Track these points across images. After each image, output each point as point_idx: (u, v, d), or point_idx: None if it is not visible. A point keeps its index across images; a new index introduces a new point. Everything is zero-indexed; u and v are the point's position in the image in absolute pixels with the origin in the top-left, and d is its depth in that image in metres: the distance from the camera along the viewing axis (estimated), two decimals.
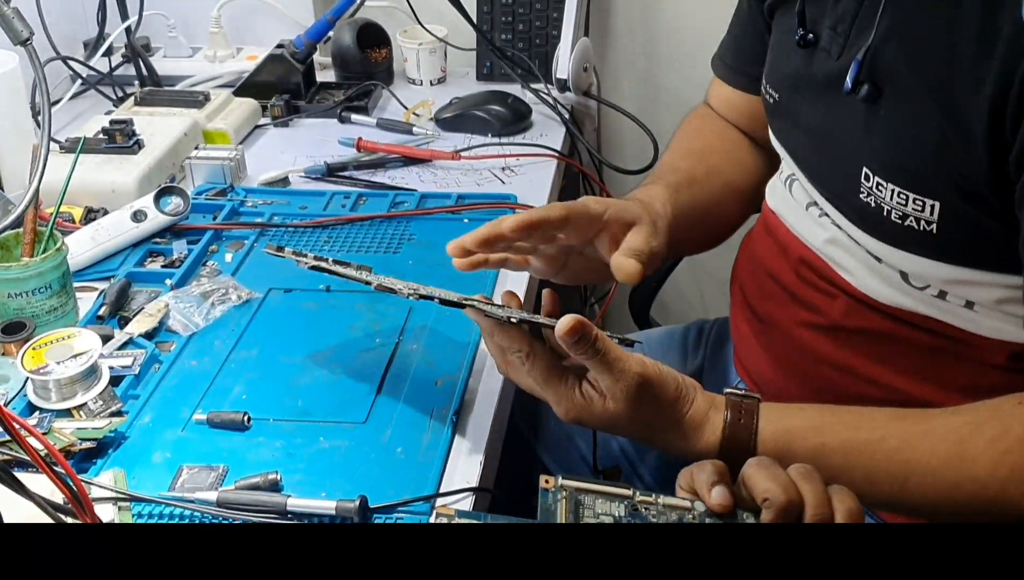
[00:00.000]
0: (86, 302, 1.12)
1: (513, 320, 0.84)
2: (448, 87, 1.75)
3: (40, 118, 1.43)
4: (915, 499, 0.84)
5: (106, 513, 0.82)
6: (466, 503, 0.87)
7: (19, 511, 0.68)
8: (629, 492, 0.74)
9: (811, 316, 1.03)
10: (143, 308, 1.09)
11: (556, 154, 1.49)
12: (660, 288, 1.51)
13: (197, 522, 0.83)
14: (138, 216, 1.21)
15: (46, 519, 0.69)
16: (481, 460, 0.91)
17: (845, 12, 0.95)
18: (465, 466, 0.90)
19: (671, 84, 1.87)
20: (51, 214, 1.10)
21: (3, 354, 1.02)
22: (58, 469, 0.71)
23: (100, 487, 0.84)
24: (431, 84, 1.76)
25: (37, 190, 0.81)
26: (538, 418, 1.27)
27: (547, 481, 0.74)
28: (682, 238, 1.06)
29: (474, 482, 0.88)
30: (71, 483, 0.69)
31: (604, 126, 1.87)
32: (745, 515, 0.74)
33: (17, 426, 0.65)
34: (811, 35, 0.99)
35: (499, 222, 0.91)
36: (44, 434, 0.86)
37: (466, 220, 1.29)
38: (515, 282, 1.17)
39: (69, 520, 0.72)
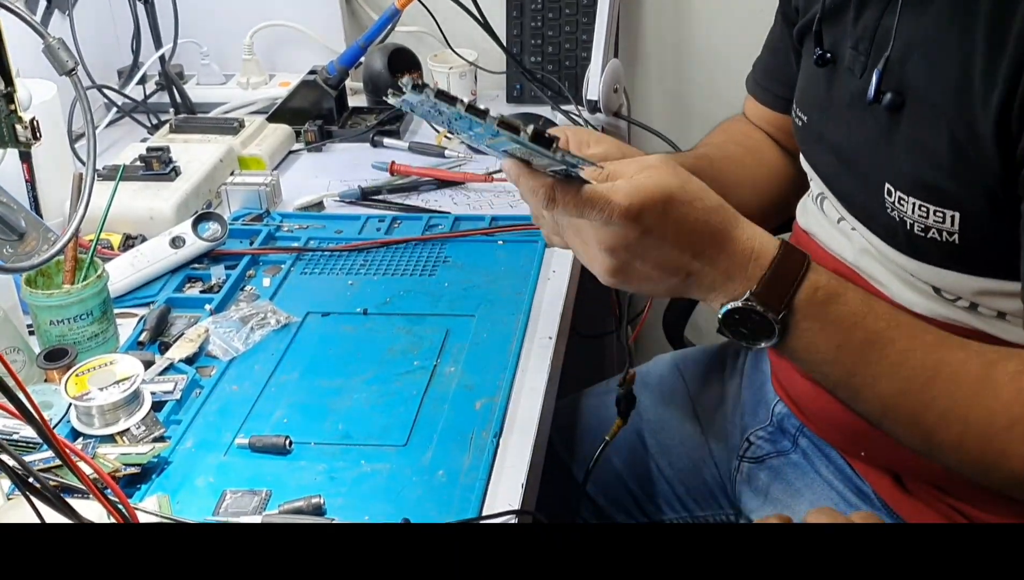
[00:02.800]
0: (126, 328, 1.13)
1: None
2: None
3: (77, 146, 1.46)
4: (934, 400, 0.83)
5: None
6: None
7: None
8: None
9: None
10: (183, 333, 1.09)
11: None
12: (694, 308, 1.51)
13: None
14: (177, 242, 1.22)
15: None
16: (523, 482, 0.91)
17: (865, 30, 0.96)
18: (507, 488, 0.90)
19: (701, 104, 1.87)
20: (91, 242, 1.12)
21: (46, 381, 1.03)
22: (108, 494, 0.71)
23: (146, 512, 0.85)
24: None
25: (81, 219, 0.82)
26: (574, 438, 1.27)
27: None
28: None
29: (516, 505, 0.88)
30: (123, 508, 0.69)
31: (634, 146, 1.86)
32: None
33: (68, 451, 0.66)
34: (828, 54, 0.99)
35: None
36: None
37: (500, 241, 1.29)
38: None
39: None
